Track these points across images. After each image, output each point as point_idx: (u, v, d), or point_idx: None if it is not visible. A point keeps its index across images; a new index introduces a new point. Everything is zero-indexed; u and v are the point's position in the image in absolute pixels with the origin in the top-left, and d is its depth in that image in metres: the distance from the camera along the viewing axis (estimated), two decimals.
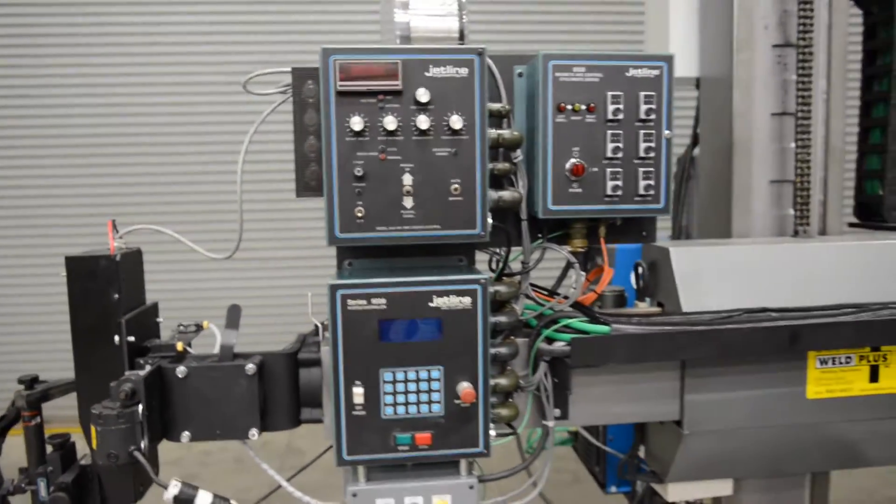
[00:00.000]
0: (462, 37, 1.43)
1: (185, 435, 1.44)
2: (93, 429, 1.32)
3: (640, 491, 2.24)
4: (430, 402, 1.34)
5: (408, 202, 1.30)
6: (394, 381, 1.33)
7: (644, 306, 1.70)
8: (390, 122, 1.26)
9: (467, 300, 1.32)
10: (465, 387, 1.32)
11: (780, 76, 1.86)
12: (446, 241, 1.33)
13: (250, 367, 1.43)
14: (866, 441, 1.70)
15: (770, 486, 1.93)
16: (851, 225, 2.12)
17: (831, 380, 1.61)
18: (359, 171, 1.27)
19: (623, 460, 1.89)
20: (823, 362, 1.60)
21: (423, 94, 1.26)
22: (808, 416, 1.62)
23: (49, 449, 1.54)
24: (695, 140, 2.19)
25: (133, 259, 1.52)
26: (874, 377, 1.62)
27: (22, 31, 5.12)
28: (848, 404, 1.62)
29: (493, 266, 1.58)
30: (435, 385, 1.34)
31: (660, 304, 1.66)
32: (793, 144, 1.86)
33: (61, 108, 5.17)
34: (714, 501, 1.97)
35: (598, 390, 1.55)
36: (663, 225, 1.86)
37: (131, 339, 1.45)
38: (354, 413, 1.33)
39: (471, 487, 1.40)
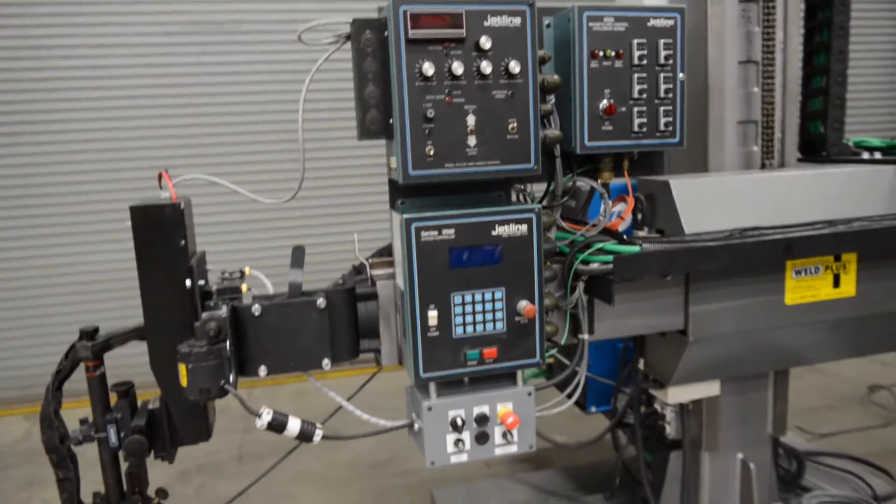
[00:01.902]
0: None
1: (262, 369, 1.55)
2: (182, 367, 1.40)
3: (619, 408, 2.54)
4: (494, 321, 1.52)
5: (471, 140, 1.45)
6: (463, 304, 1.49)
7: (643, 234, 1.94)
8: (458, 67, 1.40)
9: (524, 227, 1.50)
10: (526, 304, 1.51)
11: (744, 28, 2.12)
12: (506, 175, 1.50)
13: (321, 302, 1.55)
14: (829, 339, 2.04)
15: (742, 388, 2.26)
16: (798, 160, 2.45)
17: (804, 288, 1.92)
18: (430, 113, 1.40)
19: (627, 372, 2.15)
20: (798, 273, 1.90)
21: (485, 42, 1.41)
22: (786, 319, 1.92)
23: (113, 397, 1.59)
24: None
25: (189, 208, 1.59)
26: (836, 283, 1.95)
27: None
28: (816, 308, 1.95)
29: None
30: (498, 305, 1.51)
31: (659, 231, 1.90)
32: (756, 89, 2.14)
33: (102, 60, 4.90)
34: (693, 405, 2.28)
35: (617, 308, 1.78)
36: None
37: (201, 282, 1.53)
38: (429, 335, 1.48)
39: (529, 394, 1.60)
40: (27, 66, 4.75)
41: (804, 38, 2.39)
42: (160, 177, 1.60)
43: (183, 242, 1.50)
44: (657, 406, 2.35)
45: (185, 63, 4.99)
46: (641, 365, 2.11)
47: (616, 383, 2.46)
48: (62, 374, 1.60)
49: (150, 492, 1.67)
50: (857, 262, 1.94)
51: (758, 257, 1.67)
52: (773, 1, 2.05)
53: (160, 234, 1.49)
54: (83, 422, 1.60)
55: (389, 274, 1.68)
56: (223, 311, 1.47)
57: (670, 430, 2.35)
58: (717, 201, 1.85)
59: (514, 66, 1.43)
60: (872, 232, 1.75)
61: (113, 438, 1.56)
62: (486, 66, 1.42)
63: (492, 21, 1.42)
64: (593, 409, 2.78)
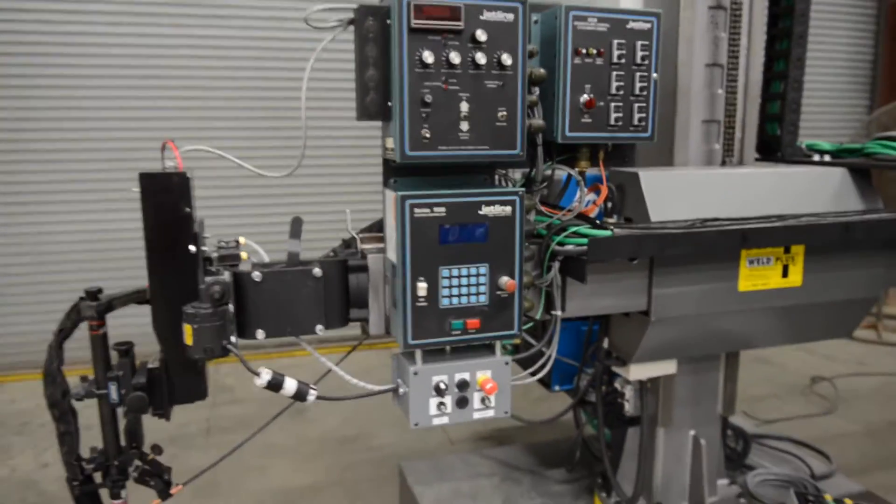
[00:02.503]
0: None
1: (260, 332, 1.65)
2: (188, 327, 1.51)
3: (582, 386, 2.70)
4: (477, 294, 1.65)
5: (464, 126, 1.58)
6: (450, 277, 1.62)
7: (612, 221, 2.10)
8: (455, 57, 1.52)
9: (508, 209, 1.64)
10: (507, 280, 1.65)
11: (712, 33, 2.29)
12: (493, 159, 1.63)
13: (317, 271, 1.66)
14: (776, 325, 2.23)
15: (696, 369, 2.45)
16: (756, 159, 2.64)
17: (756, 276, 2.11)
18: (428, 98, 1.52)
19: (592, 349, 2.32)
20: (751, 262, 2.09)
21: (481, 34, 1.53)
22: (738, 304, 2.11)
23: (114, 356, 1.68)
24: None
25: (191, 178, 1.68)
26: (785, 274, 2.14)
27: None
28: (766, 295, 2.13)
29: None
30: (482, 280, 1.65)
31: (627, 219, 2.06)
32: (721, 91, 2.31)
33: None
34: (651, 384, 2.46)
35: (587, 288, 1.93)
36: None
37: (205, 249, 1.62)
38: (418, 304, 1.61)
39: (506, 364, 1.74)
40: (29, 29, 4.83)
41: (766, 45, 2.57)
42: (163, 146, 1.68)
43: (188, 209, 1.59)
44: (617, 385, 2.52)
45: (169, 35, 5.07)
46: (606, 343, 2.27)
47: (579, 364, 2.62)
48: (64, 333, 1.67)
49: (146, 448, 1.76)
50: (805, 255, 2.13)
51: (717, 245, 1.84)
52: (739, 9, 2.22)
53: (167, 200, 1.57)
54: (83, 379, 1.68)
55: (379, 248, 1.80)
56: (226, 276, 1.57)
57: (629, 408, 2.52)
58: (681, 193, 2.02)
59: (507, 59, 1.56)
60: (818, 226, 1.94)
61: (114, 395, 1.65)
62: (481, 57, 1.54)
63: (487, 15, 1.55)
64: (557, 387, 2.94)
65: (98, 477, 1.72)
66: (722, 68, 2.29)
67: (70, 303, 1.67)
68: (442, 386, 1.67)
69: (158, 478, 1.75)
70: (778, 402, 4.26)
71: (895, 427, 3.94)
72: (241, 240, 1.82)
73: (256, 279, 1.63)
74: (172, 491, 1.77)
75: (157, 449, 1.76)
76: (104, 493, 1.74)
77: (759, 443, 3.07)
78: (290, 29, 5.16)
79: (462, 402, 1.71)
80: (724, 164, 2.31)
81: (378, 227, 1.90)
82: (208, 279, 1.54)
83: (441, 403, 1.68)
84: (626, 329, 2.16)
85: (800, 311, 2.20)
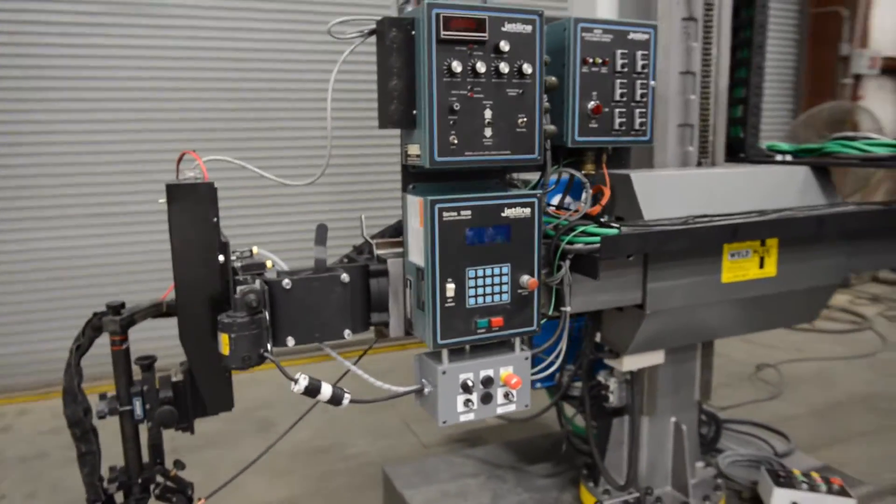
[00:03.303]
0: None
1: (290, 340, 1.67)
2: (224, 337, 1.51)
3: (564, 383, 2.82)
4: (500, 293, 1.73)
5: (487, 132, 1.65)
6: (475, 277, 1.69)
7: (604, 220, 2.22)
8: (481, 66, 1.60)
9: (528, 210, 1.73)
10: (529, 278, 1.73)
11: (685, 43, 2.46)
12: (514, 164, 1.71)
13: (345, 277, 1.70)
14: (754, 312, 2.41)
15: (676, 359, 2.61)
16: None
17: (736, 268, 2.27)
18: (456, 106, 1.59)
19: (587, 344, 2.43)
20: (733, 255, 2.25)
21: (504, 45, 1.61)
22: (722, 295, 2.27)
23: (136, 370, 1.66)
24: None
25: None
26: (762, 265, 2.32)
27: None
28: (745, 286, 2.30)
29: None
30: (505, 279, 1.73)
31: (618, 218, 2.18)
32: (693, 96, 2.48)
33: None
34: (634, 375, 2.60)
35: (589, 285, 2.04)
36: None
37: (232, 258, 1.63)
38: (447, 305, 1.67)
39: (526, 359, 1.83)
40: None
41: (731, 53, 2.77)
42: (181, 158, 1.68)
43: (215, 219, 1.60)
44: (601, 378, 2.66)
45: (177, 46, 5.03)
46: (598, 338, 2.39)
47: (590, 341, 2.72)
48: (82, 349, 1.64)
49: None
50: (778, 247, 2.31)
51: (711, 239, 1.99)
52: (710, 21, 2.40)
53: (195, 210, 1.58)
54: (102, 397, 1.65)
55: (396, 253, 1.85)
56: (257, 284, 1.59)
57: (613, 399, 2.65)
58: (669, 193, 2.16)
59: (527, 68, 1.65)
60: (795, 220, 2.12)
61: (138, 411, 1.63)
62: (504, 67, 1.63)
63: (508, 27, 1.63)
64: (538, 385, 3.05)
65: (119, 497, 1.69)
66: (695, 75, 2.46)
67: (73, 319, 1.64)
68: (469, 383, 1.73)
69: (181, 494, 1.73)
70: (729, 390, 4.52)
71: (836, 407, 4.26)
72: (255, 249, 1.83)
73: (286, 287, 1.65)
74: None
75: (179, 464, 1.75)
76: None
77: (723, 427, 3.27)
78: (289, 33, 5.23)
79: (486, 398, 1.78)
80: (699, 164, 2.48)
81: (391, 232, 1.95)
82: (242, 287, 1.55)
83: (468, 400, 1.75)
84: (620, 322, 2.28)
85: (774, 299, 2.39)
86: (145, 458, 1.74)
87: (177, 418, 1.62)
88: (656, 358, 2.41)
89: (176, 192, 1.56)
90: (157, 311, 1.71)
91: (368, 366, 1.83)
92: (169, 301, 1.74)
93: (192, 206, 1.57)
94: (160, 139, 4.92)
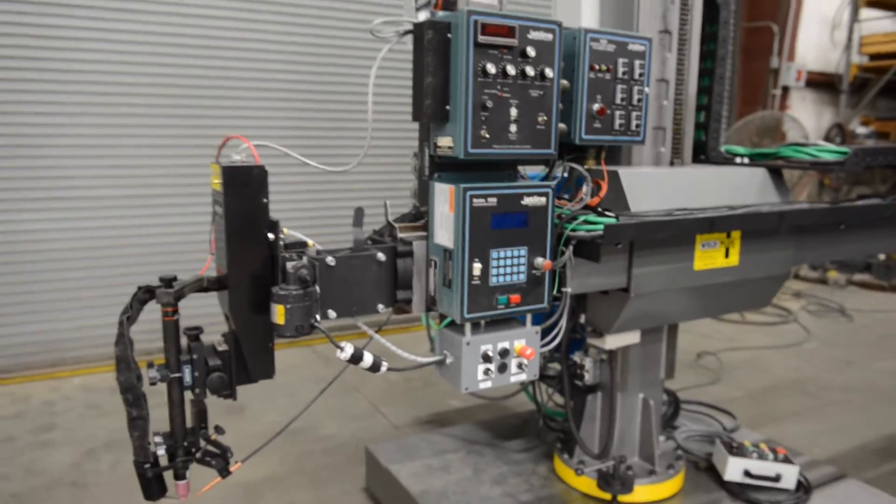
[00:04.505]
0: (501, 5, 1.99)
1: (332, 313, 1.82)
2: (280, 308, 1.66)
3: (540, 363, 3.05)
4: (518, 273, 1.94)
5: (513, 128, 1.85)
6: (498, 258, 1.89)
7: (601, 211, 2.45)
8: (511, 69, 1.79)
9: (543, 199, 1.94)
10: (544, 260, 1.94)
11: (662, 53, 2.73)
12: (533, 157, 1.92)
13: (381, 256, 1.86)
14: (719, 298, 2.70)
15: (645, 340, 2.88)
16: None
17: (706, 257, 2.56)
18: (489, 104, 1.78)
19: (569, 325, 2.66)
20: (704, 245, 2.53)
21: (531, 51, 1.81)
22: (693, 281, 2.54)
23: (184, 340, 1.77)
24: None
25: None
26: (727, 255, 2.61)
27: None
28: (713, 273, 2.59)
29: None
30: (522, 260, 1.93)
31: (606, 209, 2.42)
32: (666, 102, 2.76)
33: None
34: (609, 355, 2.86)
35: (582, 269, 2.27)
36: None
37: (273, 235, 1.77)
38: (473, 283, 1.86)
39: (536, 333, 2.04)
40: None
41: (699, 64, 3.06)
42: (224, 143, 1.80)
43: (265, 200, 1.73)
44: (576, 358, 2.90)
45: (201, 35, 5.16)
46: (582, 319, 2.63)
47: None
48: (132, 320, 1.74)
49: None
50: (741, 239, 2.61)
51: (692, 230, 2.25)
52: (685, 34, 2.67)
53: (247, 191, 1.71)
54: (150, 365, 1.76)
55: (420, 235, 2.02)
56: (305, 260, 1.73)
57: (588, 378, 2.91)
58: (651, 188, 2.42)
59: (549, 72, 1.85)
60: (759, 215, 2.42)
61: (188, 378, 1.74)
62: (529, 70, 1.83)
63: (533, 34, 1.83)
64: None
65: (164, 460, 1.80)
66: (668, 83, 2.73)
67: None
68: (490, 354, 1.93)
69: (221, 457, 1.86)
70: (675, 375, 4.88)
71: (770, 390, 4.69)
72: (284, 230, 1.97)
73: (330, 263, 1.80)
74: (231, 469, 1.88)
75: (219, 429, 1.87)
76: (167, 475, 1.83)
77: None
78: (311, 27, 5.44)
79: (503, 368, 1.98)
80: (672, 164, 2.76)
81: (410, 217, 2.12)
82: (295, 263, 1.69)
83: (487, 370, 1.95)
84: (605, 305, 2.52)
85: (735, 285, 2.69)
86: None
87: (227, 384, 1.75)
88: (634, 338, 2.68)
89: (231, 174, 1.69)
90: (200, 285, 1.82)
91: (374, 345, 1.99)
92: (208, 276, 1.86)
93: (246, 187, 1.70)
94: (183, 125, 5.08)
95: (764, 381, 4.84)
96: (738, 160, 2.95)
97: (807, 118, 7.69)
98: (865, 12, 8.19)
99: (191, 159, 5.05)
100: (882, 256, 8.31)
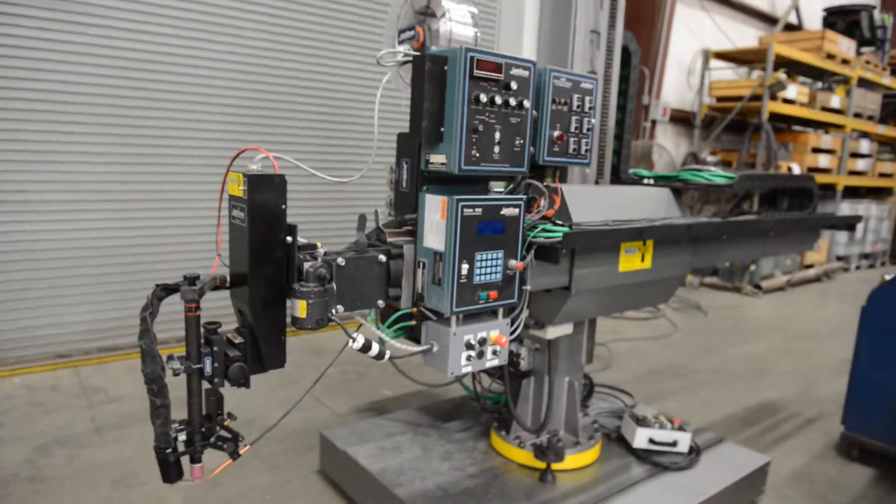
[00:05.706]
0: (476, 42, 2.12)
1: (339, 308, 1.85)
2: (302, 303, 1.68)
3: None
4: (496, 272, 2.05)
5: (496, 149, 1.97)
6: (481, 260, 2.00)
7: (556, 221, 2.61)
8: (497, 99, 1.91)
9: (516, 210, 2.07)
10: (517, 262, 2.07)
11: None
12: (510, 174, 2.04)
13: (382, 257, 1.92)
14: (634, 295, 2.95)
15: (573, 331, 3.08)
16: None
17: (628, 261, 2.79)
18: (480, 128, 1.89)
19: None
20: (626, 251, 2.76)
21: (514, 84, 1.94)
22: (618, 280, 2.76)
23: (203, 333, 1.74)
24: None
25: None
26: (643, 259, 2.85)
27: None
28: (632, 274, 2.82)
29: None
30: (499, 262, 2.05)
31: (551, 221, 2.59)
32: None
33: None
34: (542, 344, 3.03)
35: (536, 270, 2.42)
36: None
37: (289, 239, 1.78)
38: (461, 281, 1.95)
39: (508, 325, 2.16)
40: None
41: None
42: (238, 154, 1.80)
43: (284, 206, 1.75)
44: (512, 348, 3.06)
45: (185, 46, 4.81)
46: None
47: None
48: (154, 315, 1.69)
49: None
50: (653, 246, 2.87)
51: (626, 238, 2.46)
52: (608, 76, 2.90)
53: (268, 198, 1.71)
54: (171, 357, 1.72)
55: (408, 240, 2.09)
56: (319, 261, 1.76)
57: (524, 364, 3.07)
58: (587, 202, 2.61)
59: (525, 103, 1.99)
60: (672, 226, 2.68)
61: (208, 368, 1.72)
62: (511, 100, 1.95)
63: (515, 71, 1.96)
64: None
65: (181, 445, 1.76)
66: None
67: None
68: (472, 342, 2.03)
69: (232, 441, 1.84)
70: None
71: (651, 374, 5.08)
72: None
73: (340, 264, 1.83)
74: (241, 451, 1.86)
75: (231, 416, 1.85)
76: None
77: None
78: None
79: (480, 355, 2.08)
80: (597, 183, 2.98)
81: (395, 224, 2.18)
82: (313, 263, 1.72)
83: (469, 356, 2.04)
84: (547, 301, 2.69)
85: (647, 285, 2.94)
86: None
87: (247, 374, 1.74)
88: (568, 329, 2.86)
89: (256, 182, 1.69)
90: (214, 283, 1.80)
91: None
92: (221, 275, 1.84)
93: (266, 194, 1.71)
94: (184, 136, 4.74)
95: (646, 367, 5.24)
96: (644, 181, 3.23)
97: (669, 148, 8.37)
98: (714, 62, 9.04)
99: (193, 168, 4.79)
100: (727, 263, 9.14)
